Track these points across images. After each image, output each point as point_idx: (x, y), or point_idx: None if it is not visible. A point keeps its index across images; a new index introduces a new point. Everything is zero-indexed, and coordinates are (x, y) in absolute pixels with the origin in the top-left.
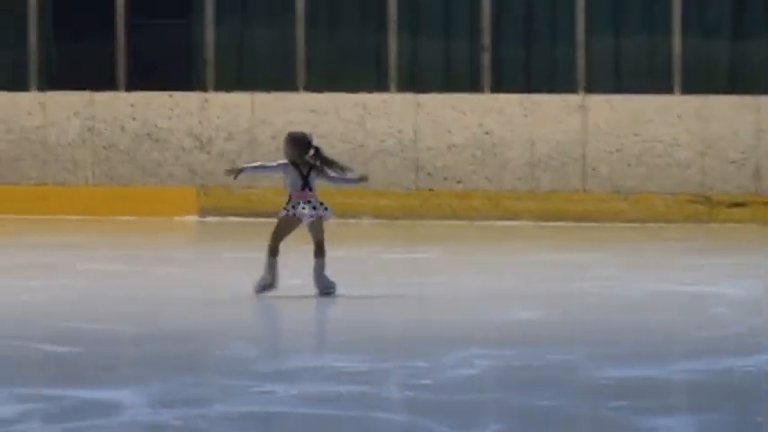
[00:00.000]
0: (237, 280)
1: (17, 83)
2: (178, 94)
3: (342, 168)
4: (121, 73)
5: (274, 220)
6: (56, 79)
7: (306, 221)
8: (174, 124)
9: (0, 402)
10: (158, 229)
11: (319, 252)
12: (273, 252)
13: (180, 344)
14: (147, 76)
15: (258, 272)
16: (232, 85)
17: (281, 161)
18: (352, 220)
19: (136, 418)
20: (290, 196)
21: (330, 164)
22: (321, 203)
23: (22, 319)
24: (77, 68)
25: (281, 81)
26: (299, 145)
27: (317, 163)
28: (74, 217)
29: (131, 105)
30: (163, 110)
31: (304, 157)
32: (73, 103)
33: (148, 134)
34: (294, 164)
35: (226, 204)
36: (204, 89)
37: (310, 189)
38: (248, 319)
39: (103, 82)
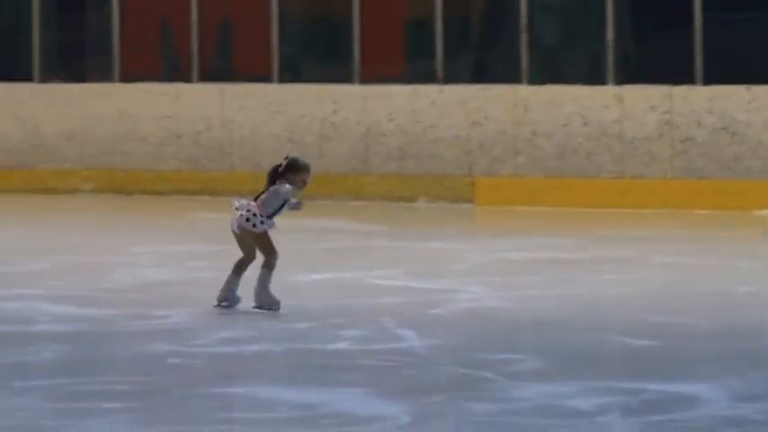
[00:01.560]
0: None
1: (594, 77)
2: (756, 88)
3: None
4: (698, 66)
5: None
6: (633, 73)
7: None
8: (751, 117)
9: (577, 395)
10: (736, 223)
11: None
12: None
13: (755, 339)
14: (724, 69)
15: None
16: None
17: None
18: None
19: (715, 412)
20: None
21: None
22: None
23: (598, 312)
24: (655, 62)
25: None
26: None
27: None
28: (650, 210)
29: (709, 99)
30: (741, 103)
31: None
32: (650, 96)
33: (725, 128)
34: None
35: None
36: None
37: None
38: None
39: (681, 76)
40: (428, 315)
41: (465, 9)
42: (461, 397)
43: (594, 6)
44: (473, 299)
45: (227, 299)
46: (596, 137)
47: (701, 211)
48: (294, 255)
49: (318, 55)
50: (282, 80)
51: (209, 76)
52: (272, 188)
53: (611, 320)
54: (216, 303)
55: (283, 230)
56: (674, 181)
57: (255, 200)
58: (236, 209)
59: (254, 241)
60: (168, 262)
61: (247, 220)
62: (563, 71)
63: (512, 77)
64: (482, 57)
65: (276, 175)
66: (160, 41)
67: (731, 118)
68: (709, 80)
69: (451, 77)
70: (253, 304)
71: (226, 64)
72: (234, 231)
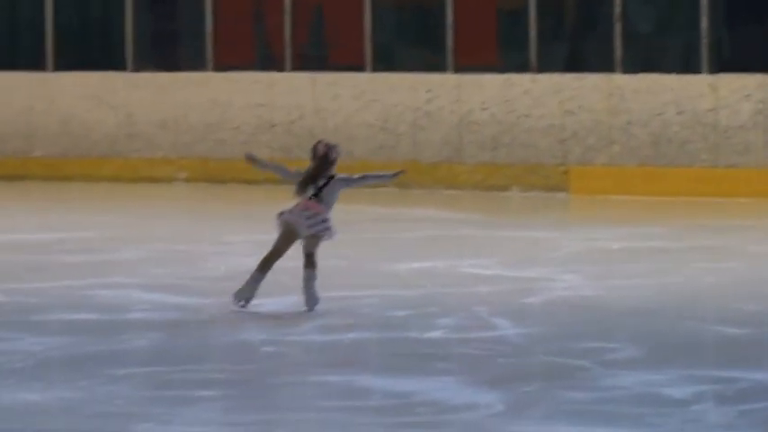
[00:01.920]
0: None
1: (688, 66)
2: None
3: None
4: None
5: None
6: (727, 62)
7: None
8: None
9: (672, 383)
10: None
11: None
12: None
13: None
14: None
15: None
16: None
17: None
18: None
19: None
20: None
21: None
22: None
23: (693, 301)
24: (750, 51)
25: None
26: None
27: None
28: (745, 199)
29: None
30: None
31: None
32: (745, 85)
33: None
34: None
35: None
36: None
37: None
38: None
39: None
40: (522, 304)
41: None
42: (556, 386)
43: None
44: (567, 287)
45: (249, 299)
46: (691, 126)
47: None
48: (389, 244)
49: (411, 43)
50: (376, 69)
51: (301, 64)
52: (331, 184)
53: (705, 309)
54: (239, 301)
55: (377, 219)
56: (767, 171)
57: (315, 197)
58: (310, 216)
59: (316, 245)
60: (261, 250)
61: (327, 228)
62: (657, 60)
63: (606, 66)
64: (576, 46)
65: (328, 165)
66: (253, 30)
67: None
68: None
69: (545, 66)
70: (305, 308)
71: (318, 53)
72: (302, 235)
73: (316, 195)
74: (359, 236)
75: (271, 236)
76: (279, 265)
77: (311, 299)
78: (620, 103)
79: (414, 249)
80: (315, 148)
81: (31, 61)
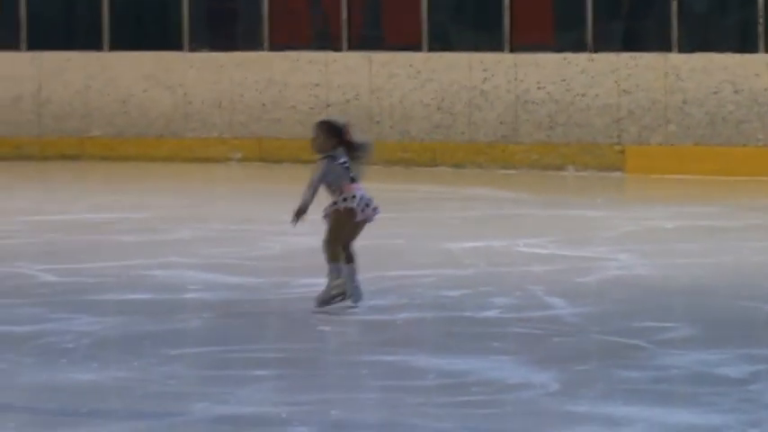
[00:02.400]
0: None
1: (745, 45)
2: None
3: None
4: None
5: None
6: None
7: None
8: None
9: (729, 363)
10: None
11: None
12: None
13: None
14: None
15: None
16: None
17: (320, 167)
18: None
19: None
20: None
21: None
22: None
23: (749, 280)
24: None
25: None
26: (337, 133)
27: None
28: None
29: None
30: None
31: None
32: None
33: None
34: (331, 157)
35: None
36: None
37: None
38: None
39: None
40: (577, 283)
41: None
42: (611, 365)
43: None
44: (622, 267)
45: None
46: (747, 105)
47: None
48: (444, 223)
49: (468, 23)
50: (432, 48)
51: (358, 44)
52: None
53: (761, 288)
54: (352, 300)
55: (432, 199)
56: None
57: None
58: (368, 205)
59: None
60: (316, 230)
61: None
62: (713, 39)
63: (662, 46)
64: (632, 25)
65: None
66: (309, 9)
67: None
68: None
69: (601, 46)
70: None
71: (375, 32)
72: (368, 221)
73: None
74: (414, 215)
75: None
76: None
77: (357, 293)
78: (675, 82)
79: (469, 228)
80: (338, 128)
81: (89, 41)
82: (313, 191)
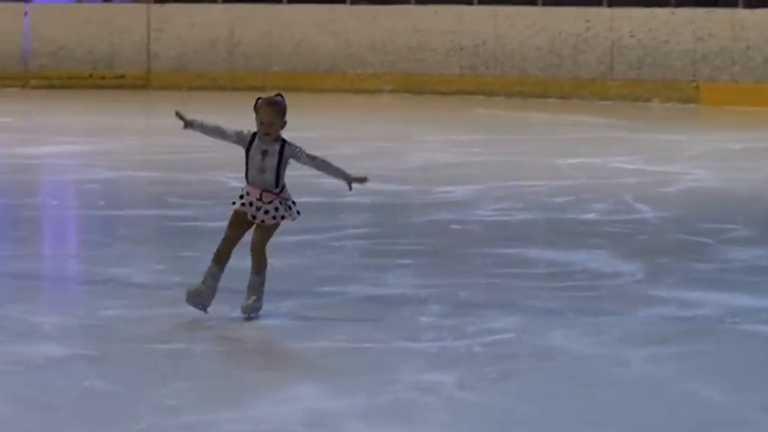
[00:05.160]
0: None
1: None
2: None
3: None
4: None
5: None
6: None
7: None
8: None
9: None
10: None
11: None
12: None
13: None
14: None
15: None
16: None
17: (243, 131)
18: None
19: None
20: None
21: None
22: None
23: None
24: None
25: None
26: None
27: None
28: None
29: None
30: None
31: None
32: None
33: None
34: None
35: None
36: None
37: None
38: None
39: None
40: (660, 192)
41: None
42: (685, 258)
43: None
44: (697, 180)
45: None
46: None
47: None
48: (553, 143)
49: None
50: (546, 3)
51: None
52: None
53: None
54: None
55: (544, 124)
56: None
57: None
58: (269, 201)
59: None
60: (451, 148)
61: (289, 208)
62: None
63: (731, 3)
64: None
65: None
66: None
67: None
68: None
69: (681, 2)
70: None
71: None
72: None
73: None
74: (529, 137)
75: (458, 136)
76: (466, 159)
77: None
78: (741, 32)
79: (573, 148)
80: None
81: None
82: (213, 131)
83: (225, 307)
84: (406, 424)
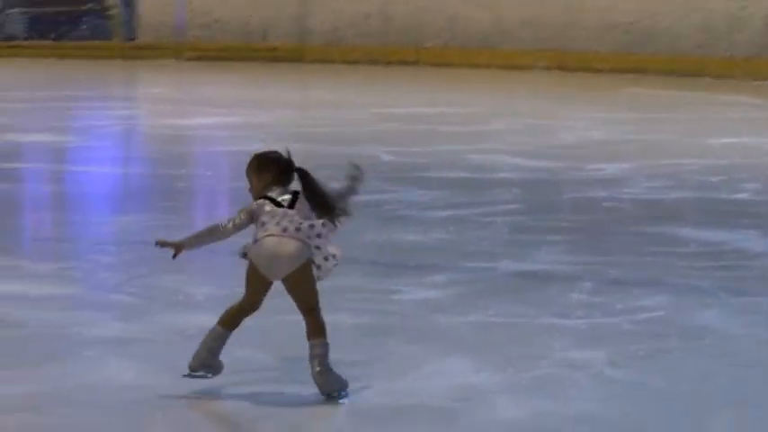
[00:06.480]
0: None
1: None
2: None
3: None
4: None
5: None
6: None
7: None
8: None
9: None
10: None
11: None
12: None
13: None
14: None
15: None
16: None
17: (243, 209)
18: None
19: None
20: None
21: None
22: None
23: None
24: None
25: None
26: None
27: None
28: None
29: None
30: None
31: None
32: None
33: None
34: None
35: None
36: None
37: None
38: None
39: None
40: None
41: None
42: None
43: None
44: None
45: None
46: None
47: None
48: (707, 123)
49: None
50: None
51: None
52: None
53: None
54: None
55: (698, 103)
56: None
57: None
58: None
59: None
60: (602, 125)
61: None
62: None
63: None
64: None
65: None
66: None
67: None
68: None
69: None
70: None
71: None
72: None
73: None
74: (682, 116)
75: (610, 114)
76: (619, 137)
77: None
78: None
79: (726, 128)
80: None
81: None
82: (205, 238)
83: (379, 280)
84: (555, 400)
